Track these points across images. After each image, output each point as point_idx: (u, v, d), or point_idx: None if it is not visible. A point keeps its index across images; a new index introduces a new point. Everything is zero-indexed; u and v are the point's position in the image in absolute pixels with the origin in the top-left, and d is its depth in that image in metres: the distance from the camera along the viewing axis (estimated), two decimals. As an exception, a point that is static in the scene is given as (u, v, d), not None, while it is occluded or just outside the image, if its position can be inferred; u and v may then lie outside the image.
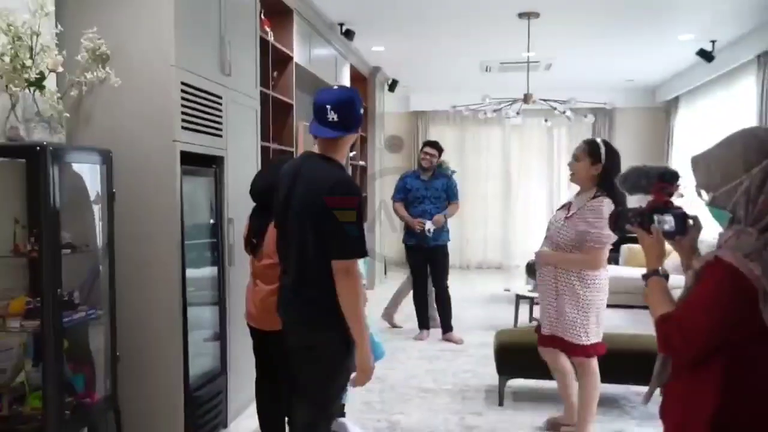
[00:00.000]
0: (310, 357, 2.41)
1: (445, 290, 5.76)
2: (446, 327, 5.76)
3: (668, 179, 1.80)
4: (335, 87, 2.59)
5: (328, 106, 2.32)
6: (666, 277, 1.74)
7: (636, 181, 1.86)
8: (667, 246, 1.85)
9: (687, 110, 8.91)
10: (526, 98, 6.55)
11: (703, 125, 8.09)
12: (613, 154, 3.17)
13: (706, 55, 6.83)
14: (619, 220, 1.91)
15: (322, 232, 2.26)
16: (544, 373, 4.04)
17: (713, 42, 6.75)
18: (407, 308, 6.36)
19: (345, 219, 2.24)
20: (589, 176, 3.16)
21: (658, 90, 9.74)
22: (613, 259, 8.50)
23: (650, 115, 10.07)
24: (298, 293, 2.41)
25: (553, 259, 3.23)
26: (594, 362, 3.27)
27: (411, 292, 5.97)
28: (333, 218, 2.23)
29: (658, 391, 1.77)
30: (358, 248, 2.27)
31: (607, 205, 3.04)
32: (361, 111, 2.43)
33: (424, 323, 5.87)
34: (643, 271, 1.77)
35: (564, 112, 7.10)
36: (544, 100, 6.91)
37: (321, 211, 2.24)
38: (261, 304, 2.92)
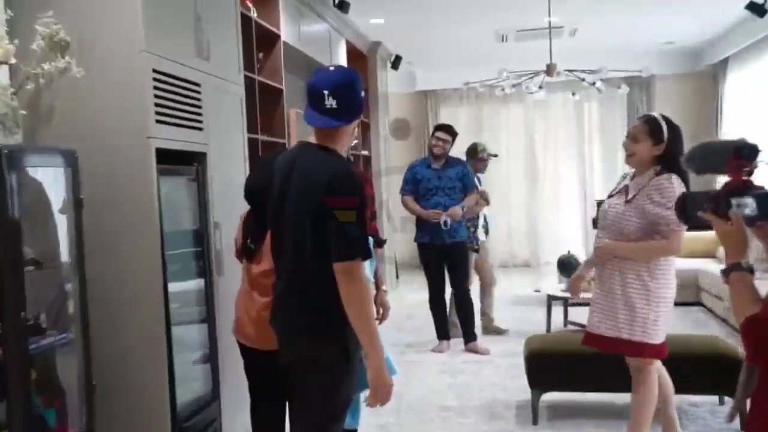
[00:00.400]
0: (306, 372, 2.44)
1: (465, 294, 5.75)
2: (469, 336, 5.75)
3: (746, 155, 1.74)
4: (331, 68, 2.60)
5: (326, 92, 2.34)
6: (751, 270, 1.69)
7: (705, 160, 1.81)
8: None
9: (738, 73, 8.83)
10: (549, 70, 6.52)
11: (759, 90, 8.00)
12: (675, 130, 3.20)
13: (757, 9, 6.74)
14: (687, 207, 1.84)
15: (321, 231, 2.29)
16: (584, 385, 4.04)
17: (765, -7, 6.67)
18: (422, 314, 6.35)
19: (344, 219, 2.27)
20: (651, 157, 3.19)
21: (703, 52, 9.67)
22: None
23: (695, 82, 10.00)
24: (292, 298, 2.45)
25: (623, 251, 3.19)
26: (660, 365, 3.30)
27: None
28: (331, 217, 2.26)
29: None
30: (360, 248, 2.29)
31: (676, 181, 3.07)
32: (362, 94, 2.45)
33: (443, 333, 5.86)
34: (717, 265, 1.74)
35: (594, 84, 7.06)
36: (570, 71, 6.86)
37: (318, 209, 2.28)
38: (257, 316, 2.91)
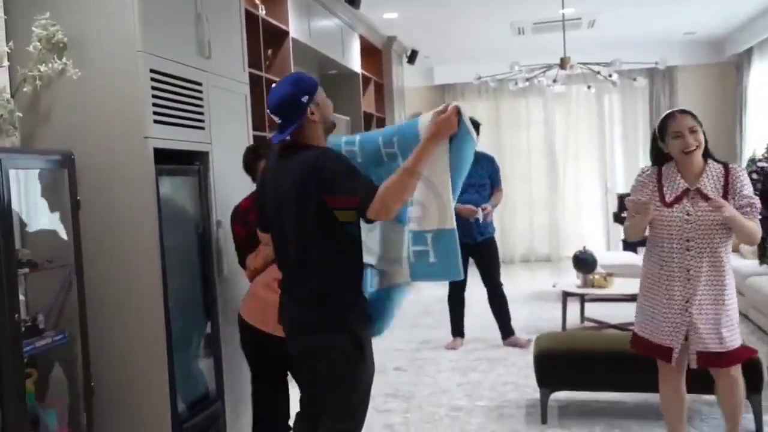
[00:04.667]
0: (316, 362, 2.59)
1: (498, 288, 5.67)
2: (507, 331, 5.69)
3: None
4: (273, 85, 2.76)
5: (268, 111, 2.64)
6: None
7: None
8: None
9: (763, 64, 8.62)
10: (563, 63, 6.40)
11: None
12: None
13: (779, -2, 6.58)
14: None
15: (321, 215, 2.46)
16: (594, 383, 3.96)
17: (787, -19, 6.50)
18: (437, 311, 6.31)
19: (344, 182, 2.43)
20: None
21: (726, 42, 9.45)
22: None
23: (718, 72, 9.80)
24: (295, 292, 2.62)
25: (736, 220, 3.01)
26: None
27: None
28: (334, 177, 2.44)
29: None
30: (371, 190, 2.39)
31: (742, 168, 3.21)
32: (305, 97, 2.58)
33: (458, 330, 5.80)
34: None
35: (610, 76, 6.92)
36: (584, 64, 6.73)
37: (318, 183, 2.45)
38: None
